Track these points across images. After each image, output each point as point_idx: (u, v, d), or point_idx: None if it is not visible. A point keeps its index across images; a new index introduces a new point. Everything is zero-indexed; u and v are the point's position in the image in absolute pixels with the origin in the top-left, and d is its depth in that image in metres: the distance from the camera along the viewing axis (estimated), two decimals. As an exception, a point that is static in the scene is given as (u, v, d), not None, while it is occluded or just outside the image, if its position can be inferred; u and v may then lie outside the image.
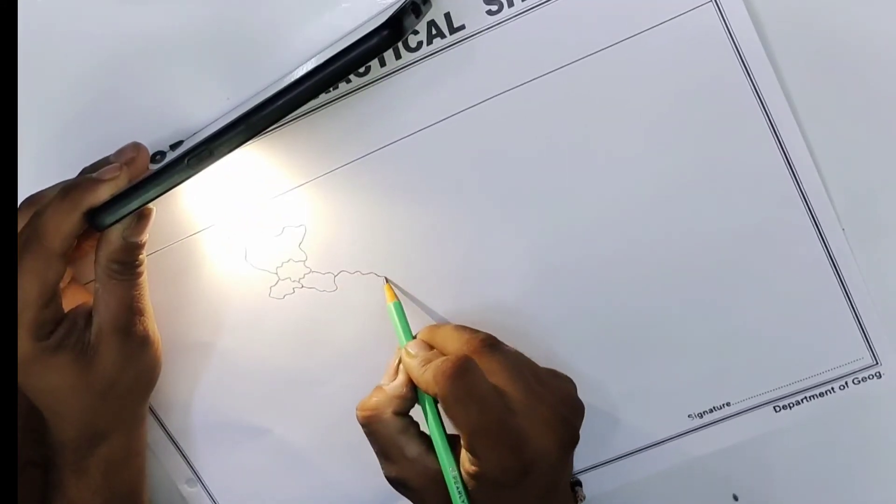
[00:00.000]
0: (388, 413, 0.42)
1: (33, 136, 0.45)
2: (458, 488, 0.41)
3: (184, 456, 0.49)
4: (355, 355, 0.47)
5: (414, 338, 0.44)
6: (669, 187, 0.45)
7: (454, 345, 0.43)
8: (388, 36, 0.38)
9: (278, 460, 0.49)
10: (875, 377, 0.47)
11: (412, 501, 0.43)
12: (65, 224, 0.40)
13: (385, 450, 0.42)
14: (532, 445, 0.40)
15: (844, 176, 0.45)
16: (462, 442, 0.40)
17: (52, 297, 0.41)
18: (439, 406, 0.41)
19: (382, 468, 0.43)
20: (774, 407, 0.48)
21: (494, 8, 0.43)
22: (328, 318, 0.47)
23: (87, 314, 0.43)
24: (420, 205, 0.45)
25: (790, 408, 0.48)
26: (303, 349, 0.47)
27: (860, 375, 0.47)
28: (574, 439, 0.42)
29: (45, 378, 0.42)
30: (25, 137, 0.45)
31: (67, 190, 0.41)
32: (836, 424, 0.48)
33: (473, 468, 0.40)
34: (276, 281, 0.46)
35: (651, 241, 0.45)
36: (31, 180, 0.45)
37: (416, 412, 0.44)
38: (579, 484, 0.46)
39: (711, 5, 0.43)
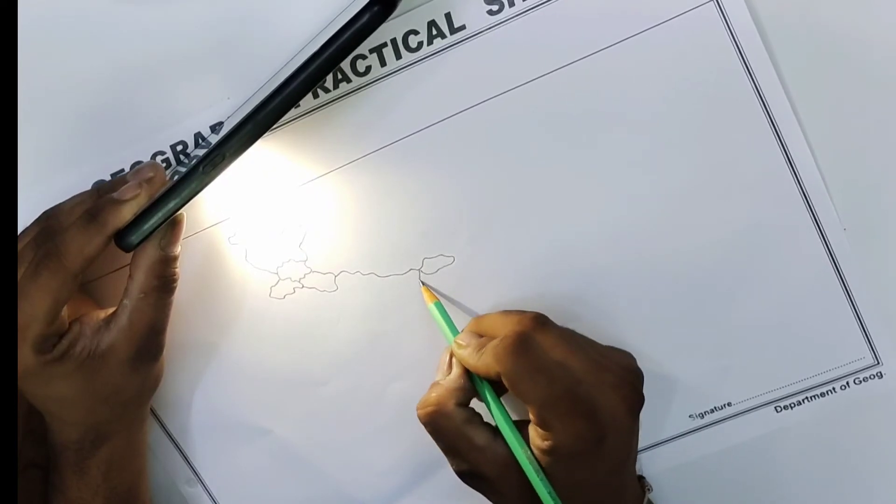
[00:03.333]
0: (450, 405, 0.42)
1: (33, 136, 0.45)
2: (533, 466, 0.41)
3: (184, 456, 0.49)
4: (355, 355, 0.47)
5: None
6: (670, 187, 0.45)
7: (505, 327, 0.42)
8: (379, 11, 0.38)
9: (278, 460, 0.49)
10: (876, 377, 0.47)
11: (486, 493, 0.43)
12: (89, 247, 0.40)
13: (453, 444, 0.42)
14: (603, 411, 0.40)
15: (846, 175, 0.45)
16: (532, 417, 0.41)
17: (59, 313, 0.41)
18: (497, 391, 0.42)
19: (452, 464, 0.43)
20: (776, 407, 0.48)
21: (495, 8, 0.43)
22: (328, 319, 0.47)
23: (95, 325, 0.43)
24: (420, 205, 0.45)
25: (791, 408, 0.48)
26: (303, 349, 0.47)
27: (861, 375, 0.47)
28: (640, 401, 0.42)
29: (46, 387, 0.42)
30: (25, 138, 0.45)
31: (93, 213, 0.41)
32: (837, 425, 0.48)
33: (546, 443, 0.40)
34: (277, 281, 0.46)
35: (651, 241, 0.45)
36: (31, 180, 0.45)
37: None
38: (642, 477, 0.46)
39: (713, 4, 0.43)
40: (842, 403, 0.48)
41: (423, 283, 0.46)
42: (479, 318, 0.45)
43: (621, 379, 0.42)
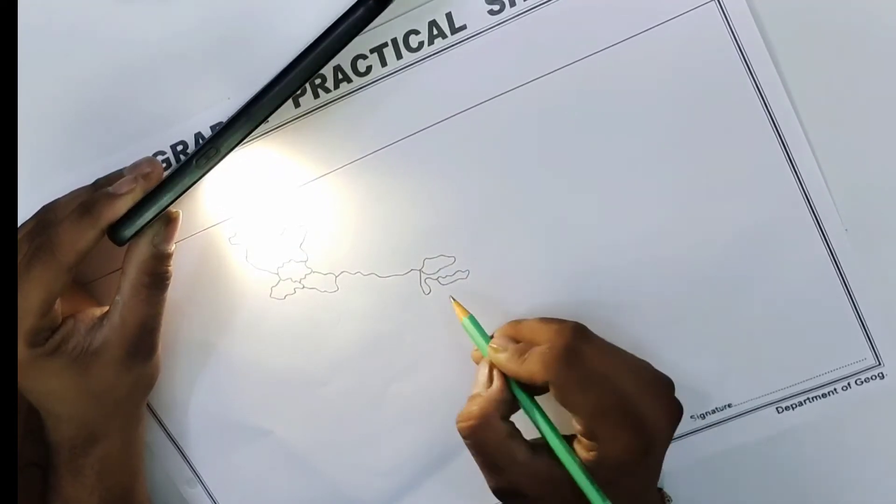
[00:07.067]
0: (495, 418, 0.41)
1: (33, 136, 0.45)
2: (586, 474, 0.40)
3: (184, 456, 0.49)
4: (356, 356, 0.47)
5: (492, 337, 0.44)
6: (671, 188, 0.45)
7: (545, 335, 0.42)
8: (374, 5, 0.38)
9: (278, 461, 0.49)
10: (878, 378, 0.47)
11: None
12: (81, 240, 0.40)
13: (494, 459, 0.41)
14: (650, 423, 0.40)
15: (847, 176, 0.45)
16: (578, 429, 0.40)
17: (52, 306, 0.41)
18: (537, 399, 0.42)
19: (491, 481, 0.41)
20: (777, 408, 0.48)
21: (496, 8, 0.43)
22: (329, 319, 0.47)
23: (89, 321, 0.43)
24: (421, 205, 0.45)
25: (793, 409, 0.48)
26: (304, 350, 0.47)
27: (863, 376, 0.47)
28: (680, 412, 0.42)
29: (39, 381, 0.42)
30: (25, 138, 0.45)
31: (87, 206, 0.41)
32: (838, 425, 0.48)
33: (592, 454, 0.40)
34: (277, 281, 0.46)
35: (651, 242, 0.45)
36: (31, 180, 0.45)
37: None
38: (660, 489, 0.46)
39: (714, 4, 0.43)
40: (843, 404, 0.48)
41: (453, 299, 0.45)
42: (514, 323, 0.45)
43: (660, 390, 0.42)
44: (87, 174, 0.44)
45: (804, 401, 0.47)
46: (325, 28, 0.41)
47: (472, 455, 0.42)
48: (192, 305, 0.46)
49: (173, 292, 0.45)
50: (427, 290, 0.46)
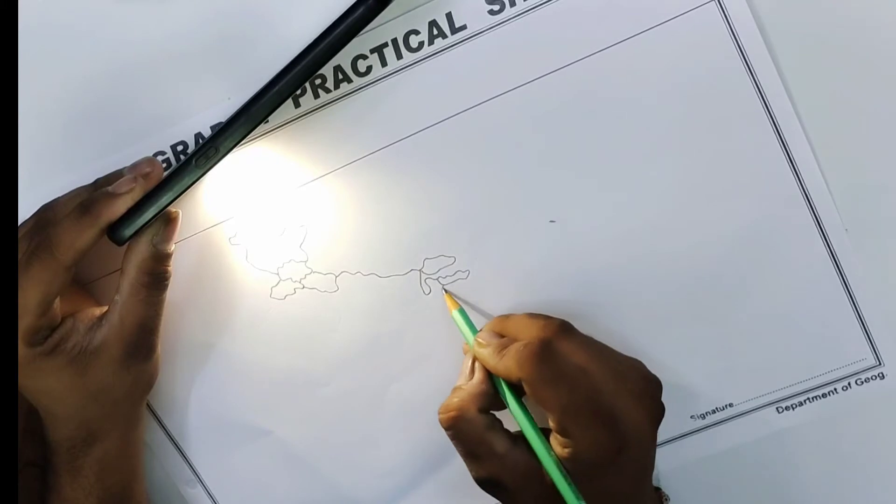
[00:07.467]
0: (473, 410, 0.42)
1: (33, 136, 0.45)
2: (559, 468, 0.40)
3: (184, 457, 0.49)
4: (356, 356, 0.47)
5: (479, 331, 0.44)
6: (671, 187, 0.45)
7: (530, 331, 0.42)
8: (374, 5, 0.38)
9: (279, 462, 0.49)
10: (878, 378, 0.47)
11: (505, 501, 0.42)
12: (80, 240, 0.40)
13: (473, 449, 0.42)
14: (624, 421, 0.40)
15: (847, 176, 0.45)
16: (552, 425, 0.40)
17: (51, 305, 0.41)
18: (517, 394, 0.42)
19: (472, 470, 0.42)
20: (777, 408, 0.48)
21: (496, 8, 0.43)
22: (329, 319, 0.47)
23: (89, 320, 0.43)
24: (421, 205, 0.45)
25: (793, 409, 0.48)
26: (304, 350, 0.47)
27: (863, 376, 0.47)
28: (661, 412, 0.42)
29: (37, 380, 0.42)
30: (25, 137, 0.45)
31: (86, 205, 0.41)
32: (838, 426, 0.48)
33: (567, 450, 0.40)
34: (278, 281, 0.46)
35: (652, 242, 0.45)
36: (31, 180, 0.45)
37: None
38: (658, 488, 0.46)
39: (714, 4, 0.43)
40: (843, 404, 0.48)
41: (446, 291, 0.46)
42: (502, 318, 0.45)
43: (642, 389, 0.42)
44: (87, 174, 0.45)
45: (804, 401, 0.47)
46: (325, 28, 0.41)
47: (454, 446, 0.42)
48: (191, 305, 0.46)
49: (173, 292, 0.45)
50: (427, 290, 0.46)
